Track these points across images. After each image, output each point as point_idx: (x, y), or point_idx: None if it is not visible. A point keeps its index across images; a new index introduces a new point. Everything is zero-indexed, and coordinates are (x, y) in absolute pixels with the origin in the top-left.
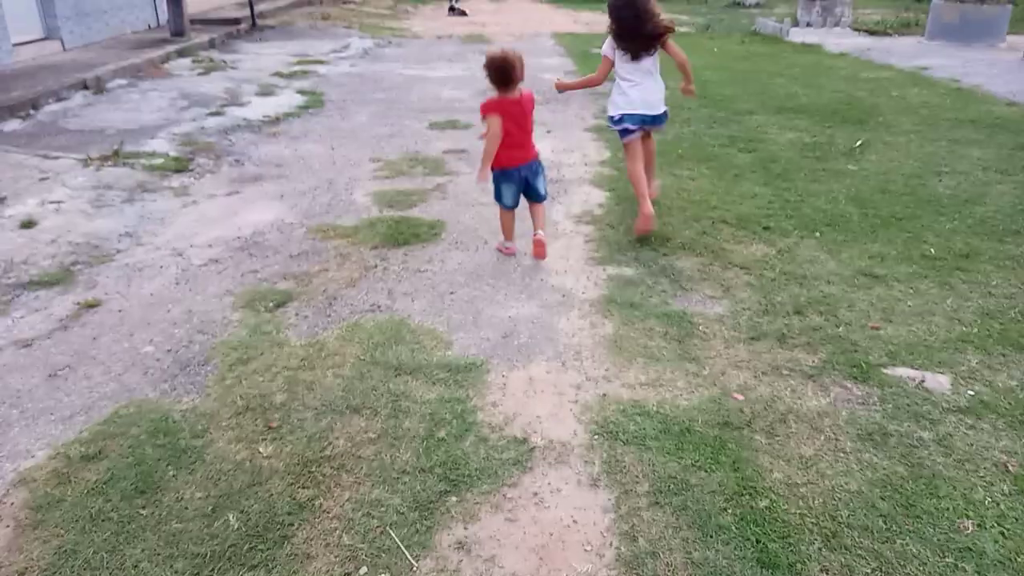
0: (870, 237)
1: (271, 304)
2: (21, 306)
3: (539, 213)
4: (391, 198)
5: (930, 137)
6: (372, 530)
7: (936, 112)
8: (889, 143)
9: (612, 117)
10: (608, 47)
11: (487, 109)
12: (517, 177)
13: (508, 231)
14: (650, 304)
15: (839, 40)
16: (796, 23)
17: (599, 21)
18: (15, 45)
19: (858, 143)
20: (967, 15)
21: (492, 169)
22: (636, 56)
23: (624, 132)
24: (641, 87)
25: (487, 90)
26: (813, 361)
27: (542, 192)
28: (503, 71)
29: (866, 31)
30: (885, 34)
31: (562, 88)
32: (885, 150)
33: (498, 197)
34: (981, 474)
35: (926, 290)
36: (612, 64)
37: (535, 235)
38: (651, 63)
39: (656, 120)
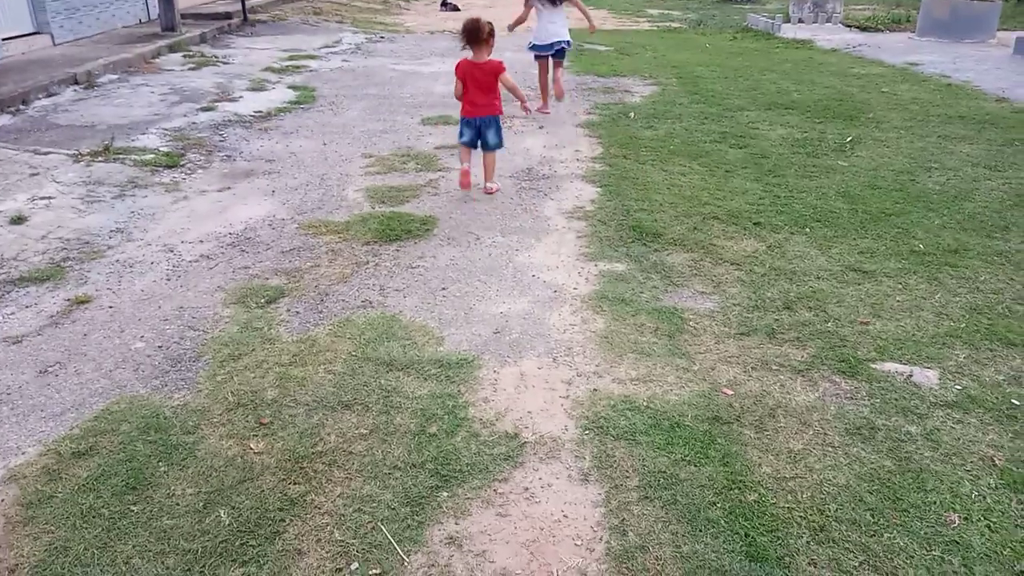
0: (859, 233)
1: (262, 300)
2: (11, 302)
3: (488, 164)
4: (383, 194)
5: (920, 133)
6: (363, 525)
7: (926, 108)
8: (879, 139)
9: (535, 44)
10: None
11: (456, 70)
12: (473, 125)
13: (464, 159)
14: (641, 300)
15: (830, 36)
16: (787, 19)
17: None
18: (5, 39)
19: (848, 139)
20: (957, 11)
21: (461, 115)
22: (553, 4)
23: (538, 55)
24: (555, 24)
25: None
26: (802, 356)
27: (490, 143)
28: (472, 32)
29: (857, 27)
30: (876, 30)
31: (511, 28)
32: (875, 146)
33: (459, 135)
34: (968, 468)
35: (915, 285)
36: (531, 7)
37: (484, 188)
38: (561, 9)
39: (561, 46)
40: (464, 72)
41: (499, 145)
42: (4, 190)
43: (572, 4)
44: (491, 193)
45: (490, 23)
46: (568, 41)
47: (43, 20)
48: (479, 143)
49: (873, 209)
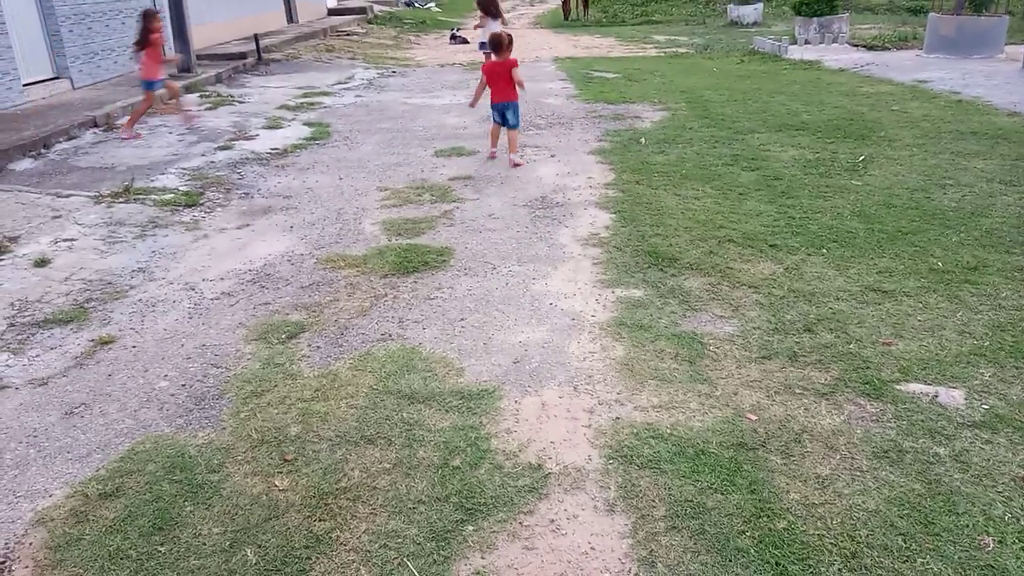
0: (877, 252)
1: (284, 336)
2: (36, 345)
3: (511, 140)
4: (399, 226)
5: (933, 150)
6: (389, 561)
7: (938, 125)
8: (892, 157)
9: (482, 42)
10: (480, 17)
11: (483, 68)
12: (499, 108)
13: (492, 139)
14: (660, 325)
15: (837, 56)
16: (794, 40)
17: (597, 45)
18: (26, 85)
19: (861, 158)
20: (964, 27)
21: (491, 102)
22: (494, 19)
23: (485, 51)
24: (495, 30)
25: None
26: (825, 379)
27: (510, 122)
28: (496, 42)
29: (864, 46)
30: (883, 49)
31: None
32: (888, 164)
33: (492, 118)
34: (999, 489)
35: (935, 304)
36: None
37: (510, 160)
38: (498, 22)
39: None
40: (489, 68)
41: (517, 124)
42: (28, 233)
43: (503, 22)
44: (516, 165)
45: (509, 35)
46: None
47: (63, 65)
48: (504, 122)
49: (889, 228)
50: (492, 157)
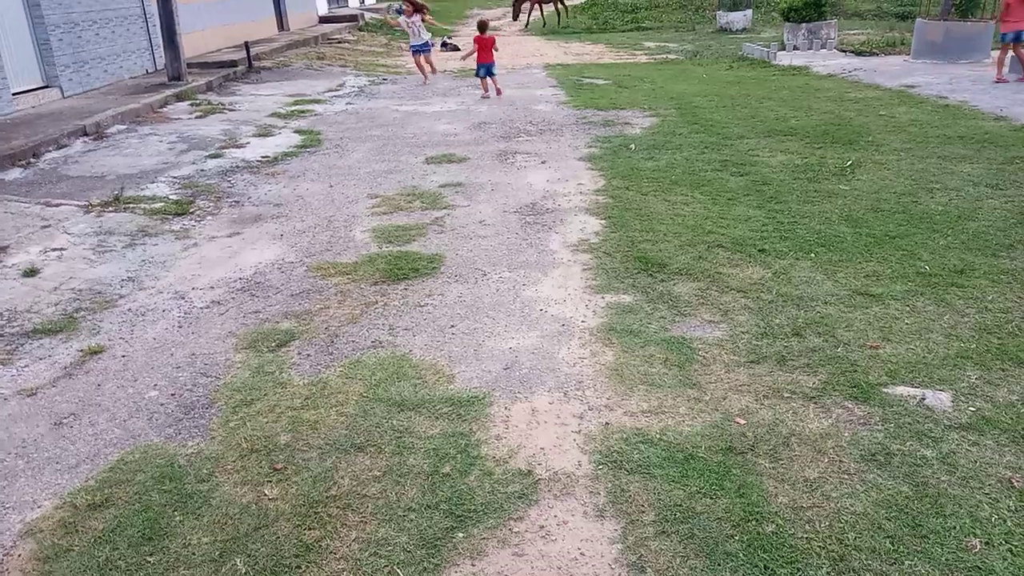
0: (864, 256)
1: (273, 344)
2: (25, 355)
3: (495, 81)
4: (390, 234)
5: (920, 155)
6: (380, 570)
7: (925, 130)
8: (879, 162)
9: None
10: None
11: (474, 40)
12: (486, 66)
13: (483, 87)
14: (649, 331)
15: (826, 62)
16: (783, 46)
17: (588, 52)
18: (15, 94)
19: (849, 163)
20: (951, 33)
21: (476, 63)
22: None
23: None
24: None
25: (483, 123)
26: (813, 383)
27: (494, 72)
28: (482, 25)
29: (852, 52)
30: (871, 54)
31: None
32: (876, 169)
33: (477, 72)
34: (986, 491)
35: (923, 307)
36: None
37: (497, 89)
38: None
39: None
40: (479, 41)
41: (495, 74)
42: (17, 243)
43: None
44: (500, 92)
45: (487, 20)
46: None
47: (52, 74)
48: (489, 75)
49: (877, 232)
50: (486, 96)
